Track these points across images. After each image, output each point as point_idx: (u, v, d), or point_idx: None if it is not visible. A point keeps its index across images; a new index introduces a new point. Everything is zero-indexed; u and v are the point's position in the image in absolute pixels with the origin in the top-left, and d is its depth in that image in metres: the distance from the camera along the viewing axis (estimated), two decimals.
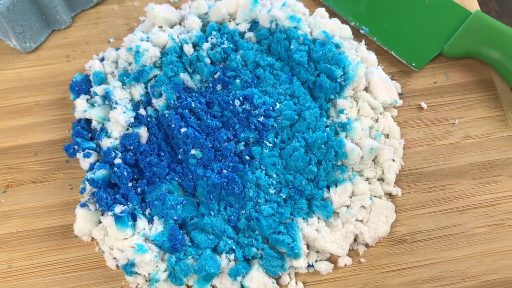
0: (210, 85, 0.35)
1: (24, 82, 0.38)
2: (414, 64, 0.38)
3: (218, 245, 0.32)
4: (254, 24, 0.38)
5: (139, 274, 0.32)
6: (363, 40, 0.39)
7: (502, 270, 0.33)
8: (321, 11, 0.38)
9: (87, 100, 0.36)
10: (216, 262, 0.31)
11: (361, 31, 0.39)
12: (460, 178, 0.35)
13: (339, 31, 0.37)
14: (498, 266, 0.33)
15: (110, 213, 0.31)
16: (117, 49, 0.37)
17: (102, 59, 0.38)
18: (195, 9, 0.38)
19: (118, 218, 0.31)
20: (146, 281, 0.32)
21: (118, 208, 0.32)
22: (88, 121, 0.36)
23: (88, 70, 0.37)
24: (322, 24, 0.37)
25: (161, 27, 0.38)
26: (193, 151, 0.33)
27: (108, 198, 0.32)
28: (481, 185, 0.35)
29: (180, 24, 0.39)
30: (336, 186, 0.34)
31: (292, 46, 0.36)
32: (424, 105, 0.37)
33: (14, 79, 0.38)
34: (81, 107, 0.35)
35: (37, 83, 0.38)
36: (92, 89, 0.36)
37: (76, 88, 0.36)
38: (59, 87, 0.38)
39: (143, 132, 0.34)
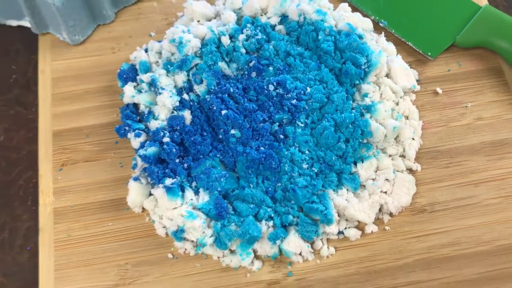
0: (246, 72, 0.39)
1: (74, 72, 0.42)
2: (429, 54, 0.42)
3: (258, 213, 0.35)
4: (284, 18, 0.41)
5: (187, 240, 0.35)
6: (383, 32, 0.42)
7: None
8: (344, 6, 0.42)
9: (134, 87, 0.40)
10: (258, 227, 0.34)
11: (381, 24, 0.43)
12: (474, 155, 0.39)
13: (361, 23, 0.41)
14: (510, 233, 0.36)
15: (161, 185, 0.35)
16: (159, 41, 0.41)
17: (145, 50, 0.41)
18: (230, 4, 0.42)
19: (169, 189, 0.35)
20: (194, 246, 0.35)
21: (169, 181, 0.35)
22: (135, 106, 0.40)
23: (133, 60, 0.41)
24: (345, 17, 0.41)
25: (198, 21, 0.42)
26: (232, 131, 0.37)
27: (159, 172, 0.36)
28: (493, 161, 0.38)
29: (215, 18, 0.43)
30: (362, 162, 0.37)
31: (319, 37, 0.39)
32: (439, 90, 0.41)
33: (64, 69, 0.42)
34: (129, 93, 0.39)
35: (85, 73, 0.42)
36: (138, 77, 0.40)
37: (124, 76, 0.40)
38: (105, 76, 0.42)
39: (187, 114, 0.38)
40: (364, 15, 0.43)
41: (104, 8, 0.42)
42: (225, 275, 0.35)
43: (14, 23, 0.43)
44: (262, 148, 0.36)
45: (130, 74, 0.40)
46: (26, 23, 0.42)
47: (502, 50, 0.41)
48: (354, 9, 0.43)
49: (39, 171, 0.38)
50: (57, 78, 0.42)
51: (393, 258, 0.36)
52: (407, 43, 0.42)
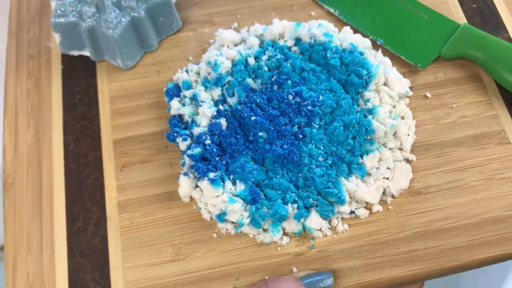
0: (269, 86, 0.48)
1: (127, 91, 0.50)
2: (419, 65, 0.50)
3: (285, 198, 0.43)
4: (298, 41, 0.50)
5: (228, 221, 0.44)
6: (379, 49, 0.51)
7: (494, 210, 0.43)
8: (347, 29, 0.51)
9: (179, 101, 0.48)
10: (285, 208, 0.43)
11: (378, 42, 0.52)
12: (459, 146, 0.47)
13: (361, 42, 0.50)
14: (491, 208, 0.43)
15: (206, 178, 0.43)
16: (197, 64, 0.50)
17: (186, 71, 0.50)
18: (253, 31, 0.51)
19: (212, 181, 0.43)
20: (234, 227, 0.44)
21: (212, 174, 0.43)
22: (180, 116, 0.48)
23: (176, 80, 0.50)
24: (348, 38, 0.50)
25: (228, 46, 0.51)
26: (260, 133, 0.45)
27: (204, 168, 0.44)
28: (475, 151, 0.46)
29: (240, 43, 0.52)
30: (367, 154, 0.45)
31: (327, 55, 0.48)
32: (429, 94, 0.49)
33: (119, 89, 0.51)
34: (175, 106, 0.48)
35: (136, 92, 0.50)
36: (181, 93, 0.48)
37: (170, 93, 0.49)
38: (153, 94, 0.50)
39: (223, 122, 0.46)
40: (364, 36, 0.51)
41: (150, 38, 0.51)
42: (260, 249, 0.43)
43: (75, 53, 0.52)
44: (285, 146, 0.45)
45: (174, 91, 0.49)
46: (86, 52, 0.51)
47: (479, 60, 0.49)
48: (355, 31, 0.52)
49: (104, 172, 0.47)
50: (114, 97, 0.50)
51: (396, 231, 0.43)
52: (400, 57, 0.51)
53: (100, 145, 0.48)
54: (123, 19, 0.48)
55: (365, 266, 0.42)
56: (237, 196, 0.43)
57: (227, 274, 0.43)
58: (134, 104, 0.50)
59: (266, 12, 0.54)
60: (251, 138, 0.46)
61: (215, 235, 0.44)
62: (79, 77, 0.52)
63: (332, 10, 0.54)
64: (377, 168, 0.45)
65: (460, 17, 0.53)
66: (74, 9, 0.48)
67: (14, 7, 0.56)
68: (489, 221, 0.43)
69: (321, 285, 0.41)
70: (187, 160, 0.45)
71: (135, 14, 0.48)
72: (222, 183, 0.43)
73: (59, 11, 0.48)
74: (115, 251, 0.44)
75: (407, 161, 0.46)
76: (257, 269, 0.43)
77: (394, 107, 0.48)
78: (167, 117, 0.49)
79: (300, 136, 0.45)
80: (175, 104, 0.48)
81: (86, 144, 0.48)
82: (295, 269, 0.43)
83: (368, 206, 0.44)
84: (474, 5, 0.54)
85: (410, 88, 0.49)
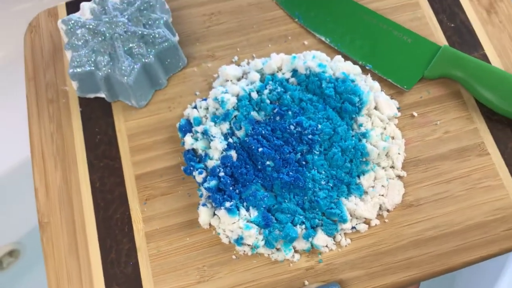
0: (272, 117, 0.53)
1: (142, 128, 0.55)
2: (405, 86, 0.55)
3: (294, 220, 0.49)
4: (294, 72, 0.55)
5: (245, 244, 0.49)
6: (369, 73, 0.56)
7: (477, 217, 0.49)
8: (338, 57, 0.55)
9: (191, 136, 0.54)
10: (295, 230, 0.48)
11: (367, 67, 0.57)
12: (444, 160, 0.52)
13: (352, 69, 0.55)
14: (474, 215, 0.49)
15: (222, 207, 0.49)
16: (204, 99, 0.55)
17: (194, 107, 0.55)
18: (253, 66, 0.55)
19: (229, 210, 0.48)
20: (250, 248, 0.49)
21: (228, 204, 0.49)
22: (193, 150, 0.54)
23: (187, 116, 0.55)
24: (340, 67, 0.55)
25: (231, 80, 0.56)
26: (268, 162, 0.51)
27: (220, 198, 0.50)
28: (459, 163, 0.51)
29: (242, 77, 0.57)
30: (364, 175, 0.51)
31: (323, 85, 0.53)
32: (415, 113, 0.54)
33: (135, 127, 0.55)
34: (189, 141, 0.53)
35: (151, 128, 0.55)
36: (193, 129, 0.54)
37: (183, 129, 0.54)
38: (166, 129, 0.55)
39: (233, 154, 0.51)
40: (354, 62, 0.56)
41: (160, 78, 0.56)
42: (274, 266, 0.49)
43: (92, 95, 0.56)
44: (291, 173, 0.50)
45: (187, 127, 0.54)
46: (101, 94, 0.56)
47: (459, 78, 0.54)
48: (346, 58, 0.57)
49: (130, 206, 0.52)
50: (131, 134, 0.55)
51: (393, 242, 0.49)
52: (388, 79, 0.56)
53: (124, 181, 0.53)
54: (135, 66, 0.52)
55: (367, 275, 0.49)
56: (251, 222, 0.49)
57: None
58: (150, 140, 0.55)
59: (263, 43, 0.59)
60: (259, 167, 0.51)
61: (234, 256, 0.50)
62: (97, 118, 0.56)
63: (323, 38, 0.58)
64: (373, 187, 0.51)
65: (439, 37, 0.58)
66: (89, 59, 0.52)
67: (28, 52, 0.60)
68: (472, 227, 0.49)
69: None
70: (205, 192, 0.51)
71: (146, 60, 0.53)
72: (237, 211, 0.49)
73: (75, 62, 0.53)
74: (147, 278, 0.49)
75: (399, 177, 0.52)
76: (274, 285, 0.49)
77: (384, 128, 0.53)
78: (181, 151, 0.54)
79: (303, 162, 0.51)
80: (188, 139, 0.53)
81: (111, 181, 0.53)
82: (306, 282, 0.49)
83: (367, 221, 0.50)
84: (452, 25, 0.59)
85: (398, 109, 0.55)
